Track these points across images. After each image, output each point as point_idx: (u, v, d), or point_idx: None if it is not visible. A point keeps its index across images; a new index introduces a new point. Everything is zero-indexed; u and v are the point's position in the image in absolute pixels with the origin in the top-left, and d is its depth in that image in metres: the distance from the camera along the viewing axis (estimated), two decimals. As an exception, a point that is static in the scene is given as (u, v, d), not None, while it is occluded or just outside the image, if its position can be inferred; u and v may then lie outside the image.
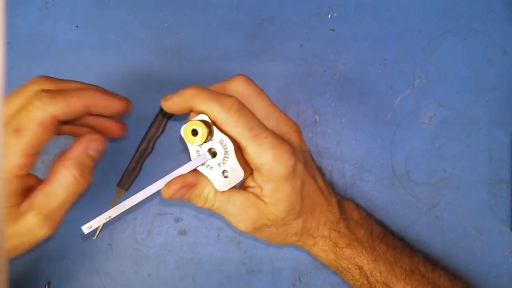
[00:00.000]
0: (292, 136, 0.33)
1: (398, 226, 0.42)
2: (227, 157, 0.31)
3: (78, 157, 0.30)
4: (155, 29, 0.43)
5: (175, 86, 0.42)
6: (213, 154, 0.31)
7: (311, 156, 0.38)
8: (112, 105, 0.32)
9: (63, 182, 0.30)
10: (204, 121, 0.30)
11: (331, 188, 0.37)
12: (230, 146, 0.30)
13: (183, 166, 0.31)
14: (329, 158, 0.43)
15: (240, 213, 0.33)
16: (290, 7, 0.43)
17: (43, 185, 0.30)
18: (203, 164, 0.32)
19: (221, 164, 0.31)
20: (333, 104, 0.43)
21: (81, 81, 0.33)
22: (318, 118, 0.43)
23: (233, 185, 0.32)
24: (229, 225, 0.42)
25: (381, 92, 0.43)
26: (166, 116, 0.42)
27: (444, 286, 0.36)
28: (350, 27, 0.43)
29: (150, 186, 0.31)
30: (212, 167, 0.32)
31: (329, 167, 0.43)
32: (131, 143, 0.42)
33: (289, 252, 0.42)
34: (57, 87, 0.31)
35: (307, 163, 0.34)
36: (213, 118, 0.30)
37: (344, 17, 0.43)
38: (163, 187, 0.31)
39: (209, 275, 0.42)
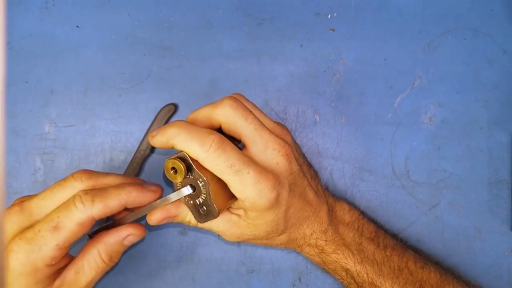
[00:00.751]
0: (279, 160, 0.33)
1: (398, 226, 0.42)
2: (204, 195, 0.32)
3: (111, 244, 0.33)
4: (155, 29, 0.43)
5: (175, 86, 0.43)
6: (194, 189, 0.32)
7: (306, 166, 0.38)
8: (146, 199, 0.33)
9: (92, 263, 0.32)
10: (183, 159, 0.31)
11: (323, 196, 0.38)
12: (207, 186, 0.31)
13: (164, 198, 0.33)
14: (329, 158, 0.43)
15: (223, 231, 0.35)
16: (290, 7, 0.43)
17: (74, 262, 0.32)
18: (184, 197, 0.33)
19: (200, 200, 0.32)
20: (333, 104, 0.43)
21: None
22: (318, 118, 0.43)
23: (210, 220, 0.33)
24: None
25: (381, 92, 0.43)
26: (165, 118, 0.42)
27: (433, 282, 0.37)
28: (350, 27, 0.43)
29: (139, 210, 0.34)
30: (192, 201, 0.33)
31: (329, 167, 0.43)
32: (131, 143, 0.42)
33: (289, 252, 0.42)
34: (95, 183, 0.33)
35: (296, 183, 0.34)
36: (193, 157, 0.31)
37: (344, 17, 0.43)
38: (148, 216, 0.34)
39: (209, 275, 0.42)
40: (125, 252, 0.41)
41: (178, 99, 0.43)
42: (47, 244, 0.30)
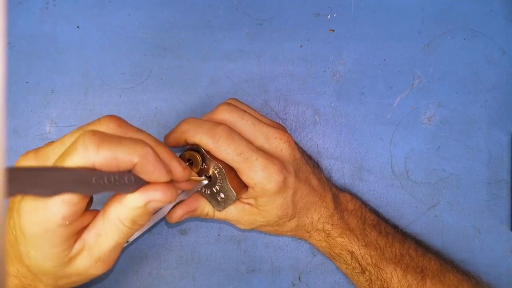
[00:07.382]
0: (283, 147, 0.35)
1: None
2: (221, 181, 0.34)
3: (131, 208, 0.26)
4: (155, 29, 0.43)
5: (175, 86, 0.43)
6: (209, 178, 0.34)
7: (307, 157, 0.39)
8: (155, 175, 0.26)
9: (113, 227, 0.27)
10: (197, 150, 0.34)
11: (327, 184, 0.39)
12: (222, 172, 0.33)
13: (181, 193, 0.35)
14: (328, 158, 0.43)
15: (237, 219, 0.37)
16: (290, 7, 0.43)
17: (95, 222, 0.27)
18: (201, 188, 0.35)
19: (216, 187, 0.34)
20: (333, 104, 0.43)
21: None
22: (318, 118, 0.43)
23: (229, 205, 0.35)
24: (229, 224, 0.42)
25: (381, 92, 0.43)
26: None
27: (434, 269, 0.38)
28: (350, 27, 0.43)
29: (157, 212, 0.35)
30: (209, 190, 0.35)
31: (329, 167, 0.43)
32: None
33: (289, 252, 0.42)
34: (118, 131, 0.27)
35: (300, 169, 0.37)
36: (205, 148, 0.33)
37: (344, 17, 0.43)
38: (168, 215, 0.35)
39: (209, 274, 0.42)
40: (125, 248, 0.41)
41: (178, 99, 0.43)
42: (55, 201, 0.24)
